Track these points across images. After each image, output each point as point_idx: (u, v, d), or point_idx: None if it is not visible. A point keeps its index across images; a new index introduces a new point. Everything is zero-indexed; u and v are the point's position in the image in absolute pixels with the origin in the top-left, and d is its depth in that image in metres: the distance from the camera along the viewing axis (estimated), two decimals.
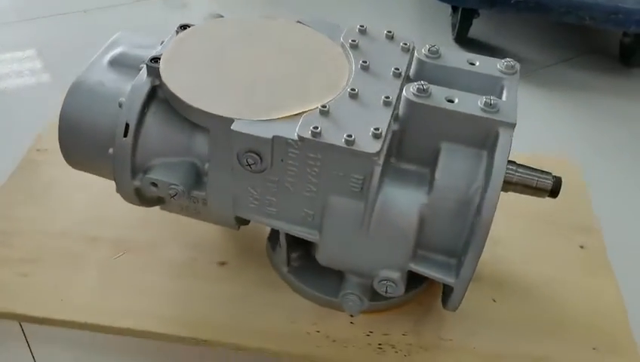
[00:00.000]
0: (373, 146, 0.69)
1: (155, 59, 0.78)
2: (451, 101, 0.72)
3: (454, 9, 2.03)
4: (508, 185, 0.82)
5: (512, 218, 1.03)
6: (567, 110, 1.81)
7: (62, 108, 0.82)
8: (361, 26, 0.87)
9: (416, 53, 0.78)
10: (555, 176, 0.82)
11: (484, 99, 0.70)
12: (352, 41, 0.84)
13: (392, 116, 0.74)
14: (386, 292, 0.78)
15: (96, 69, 0.84)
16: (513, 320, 0.91)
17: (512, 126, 0.69)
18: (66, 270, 0.91)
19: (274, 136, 0.70)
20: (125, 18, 1.96)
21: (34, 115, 1.34)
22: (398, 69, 0.79)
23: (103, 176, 0.86)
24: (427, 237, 0.75)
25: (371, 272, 0.78)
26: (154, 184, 0.79)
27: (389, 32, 0.86)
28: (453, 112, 0.71)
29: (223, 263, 0.94)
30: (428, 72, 0.78)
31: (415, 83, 0.72)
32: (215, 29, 0.86)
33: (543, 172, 0.83)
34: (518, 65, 0.78)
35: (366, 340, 0.86)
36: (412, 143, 0.75)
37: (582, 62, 2.03)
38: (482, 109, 0.70)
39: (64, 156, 0.85)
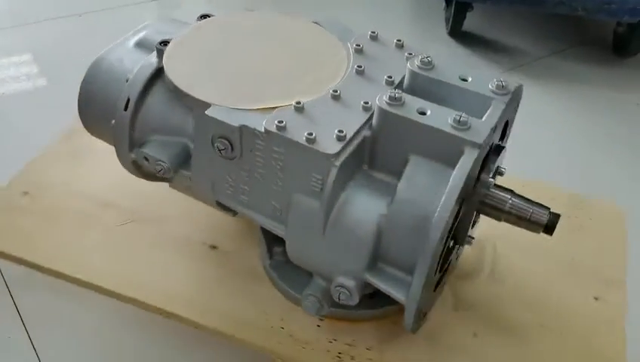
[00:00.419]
0: (333, 147, 0.69)
1: (165, 43, 0.84)
2: (423, 113, 0.70)
3: (448, 3, 2.05)
4: (501, 213, 0.78)
5: (530, 254, 0.98)
6: (561, 101, 1.81)
7: (83, 79, 0.89)
8: (372, 32, 0.86)
9: (408, 64, 0.76)
10: (552, 213, 0.77)
11: (454, 115, 0.68)
12: (357, 45, 0.84)
13: (366, 122, 0.73)
14: (339, 299, 0.76)
15: (119, 48, 0.91)
16: (488, 358, 0.85)
17: (478, 146, 0.66)
18: (74, 229, 0.99)
19: (241, 125, 0.72)
20: (120, 20, 1.98)
21: (30, 119, 1.46)
22: (391, 77, 0.78)
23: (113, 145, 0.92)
24: (385, 250, 0.73)
25: (330, 276, 0.77)
26: (145, 158, 0.84)
27: (399, 40, 0.85)
28: (422, 125, 0.68)
29: (214, 247, 0.97)
30: (419, 84, 0.76)
31: (389, 91, 0.70)
32: (232, 21, 0.90)
33: (540, 205, 0.78)
34: (511, 86, 0.74)
35: (327, 346, 0.85)
36: (383, 152, 0.73)
37: (575, 53, 2.03)
38: (452, 125, 0.68)
39: (82, 123, 0.93)
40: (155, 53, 0.84)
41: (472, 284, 0.95)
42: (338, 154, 0.69)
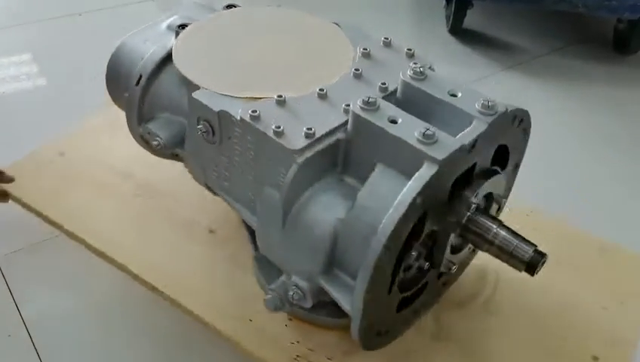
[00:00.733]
0: (298, 143, 0.69)
1: (183, 26, 0.87)
2: (394, 122, 0.67)
3: (448, 1, 2.04)
4: (483, 241, 0.74)
5: (534, 290, 0.91)
6: (561, 99, 1.79)
7: (112, 53, 0.95)
8: (385, 38, 0.85)
9: (401, 74, 0.74)
10: (537, 251, 0.72)
11: (423, 128, 0.65)
12: (365, 49, 0.83)
13: (343, 124, 0.72)
14: (292, 299, 0.75)
15: (149, 29, 0.95)
16: None
17: (438, 163, 0.63)
18: (95, 195, 1.05)
19: (220, 110, 0.74)
20: (120, 20, 1.96)
21: (31, 119, 1.47)
22: (385, 84, 0.76)
23: None
24: (341, 256, 0.71)
25: (289, 273, 0.77)
26: (148, 133, 0.88)
27: (410, 49, 0.83)
28: (389, 134, 0.66)
29: (212, 231, 0.99)
30: (410, 94, 0.74)
31: (365, 96, 0.69)
32: (252, 14, 0.92)
33: (525, 241, 0.73)
34: (499, 108, 0.69)
35: (288, 346, 0.84)
36: (355, 157, 0.72)
37: (576, 50, 2.02)
38: (417, 138, 0.65)
39: (109, 93, 0.98)
40: (173, 35, 0.88)
41: (460, 313, 0.90)
42: (302, 150, 0.68)
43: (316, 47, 0.86)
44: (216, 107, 0.74)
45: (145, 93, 0.88)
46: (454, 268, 0.80)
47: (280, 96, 0.74)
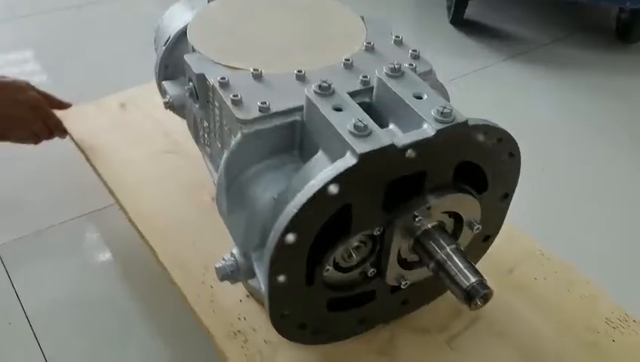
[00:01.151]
0: (248, 115, 0.69)
1: None
2: (338, 110, 0.65)
3: None
4: (430, 259, 0.69)
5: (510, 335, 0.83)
6: (564, 88, 1.79)
7: (163, 15, 1.02)
8: (397, 36, 0.82)
9: (376, 72, 0.71)
10: (479, 284, 0.66)
11: (356, 119, 0.62)
12: (368, 43, 0.81)
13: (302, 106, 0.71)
14: (227, 269, 0.76)
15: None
16: None
17: (357, 156, 0.59)
18: (130, 145, 1.14)
19: (199, 73, 0.77)
20: (119, 12, 1.94)
21: None
22: (367, 77, 0.74)
23: None
24: (268, 235, 0.70)
25: (235, 243, 0.77)
26: (164, 91, 0.93)
27: (415, 50, 0.79)
28: (326, 121, 0.64)
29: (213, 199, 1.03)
30: (382, 91, 0.71)
31: (321, 80, 0.67)
32: None
33: (474, 271, 0.67)
34: (457, 117, 0.64)
35: (233, 321, 0.84)
36: (307, 141, 0.71)
37: (578, 40, 2.04)
38: (349, 129, 0.62)
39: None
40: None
41: (417, 338, 0.83)
42: (251, 122, 0.69)
43: (328, 32, 0.85)
44: (197, 70, 0.77)
45: (169, 55, 0.94)
46: (405, 284, 0.75)
47: (256, 70, 0.75)
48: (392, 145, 0.61)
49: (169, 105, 0.91)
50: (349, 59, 0.77)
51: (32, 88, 1.13)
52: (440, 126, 0.63)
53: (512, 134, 0.69)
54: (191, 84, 0.80)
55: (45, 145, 1.23)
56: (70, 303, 1.14)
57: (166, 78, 0.95)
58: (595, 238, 1.35)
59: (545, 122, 1.65)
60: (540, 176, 1.46)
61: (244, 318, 0.85)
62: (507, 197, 0.78)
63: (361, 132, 0.61)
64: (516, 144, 0.71)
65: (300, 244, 0.64)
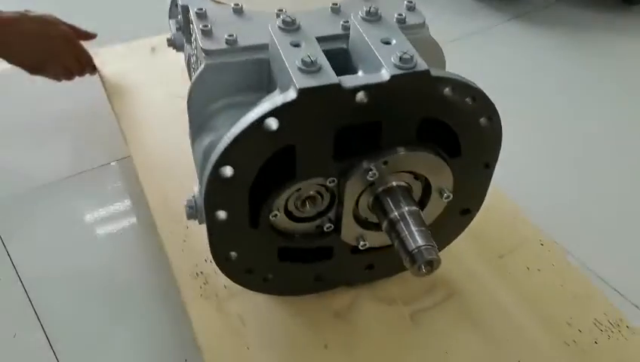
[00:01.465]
0: (212, 45, 0.67)
1: None
2: (296, 46, 0.62)
3: None
4: (384, 217, 0.66)
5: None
6: (567, 48, 1.80)
7: None
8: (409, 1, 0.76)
9: (352, 16, 0.67)
10: (429, 250, 0.61)
11: (306, 55, 0.58)
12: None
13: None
14: (188, 208, 0.75)
15: None
16: None
17: (297, 91, 0.56)
18: (148, 89, 1.15)
19: (183, 5, 0.76)
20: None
21: (28, 99, 1.44)
22: (347, 22, 0.70)
23: None
24: None
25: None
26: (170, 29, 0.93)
27: (411, 1, 0.74)
28: (280, 56, 0.61)
29: None
30: (354, 36, 0.67)
31: (284, 15, 0.64)
32: None
33: (425, 236, 0.62)
34: (418, 65, 0.58)
35: (201, 262, 0.84)
36: (272, 79, 0.68)
37: (581, 0, 2.04)
38: (297, 65, 0.58)
39: None
40: None
41: (379, 307, 0.79)
42: (214, 53, 0.67)
43: None
44: (184, 1, 0.76)
45: None
46: (363, 246, 0.71)
47: (237, 5, 0.73)
48: (338, 85, 0.57)
49: (171, 43, 0.91)
50: (336, 4, 0.73)
51: (61, 22, 1.17)
52: (397, 71, 0.58)
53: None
54: (180, 17, 0.79)
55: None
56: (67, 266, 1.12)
57: (174, 17, 0.95)
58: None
59: (545, 82, 1.64)
60: (538, 131, 1.42)
61: (211, 261, 0.84)
62: (488, 167, 0.71)
63: (308, 67, 0.58)
64: (493, 106, 0.65)
65: (239, 180, 0.61)
